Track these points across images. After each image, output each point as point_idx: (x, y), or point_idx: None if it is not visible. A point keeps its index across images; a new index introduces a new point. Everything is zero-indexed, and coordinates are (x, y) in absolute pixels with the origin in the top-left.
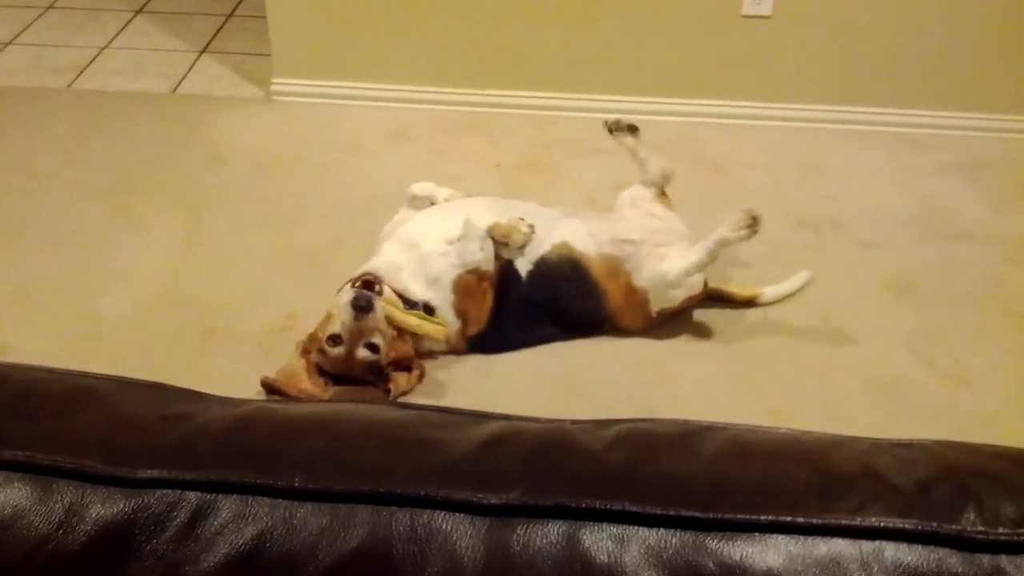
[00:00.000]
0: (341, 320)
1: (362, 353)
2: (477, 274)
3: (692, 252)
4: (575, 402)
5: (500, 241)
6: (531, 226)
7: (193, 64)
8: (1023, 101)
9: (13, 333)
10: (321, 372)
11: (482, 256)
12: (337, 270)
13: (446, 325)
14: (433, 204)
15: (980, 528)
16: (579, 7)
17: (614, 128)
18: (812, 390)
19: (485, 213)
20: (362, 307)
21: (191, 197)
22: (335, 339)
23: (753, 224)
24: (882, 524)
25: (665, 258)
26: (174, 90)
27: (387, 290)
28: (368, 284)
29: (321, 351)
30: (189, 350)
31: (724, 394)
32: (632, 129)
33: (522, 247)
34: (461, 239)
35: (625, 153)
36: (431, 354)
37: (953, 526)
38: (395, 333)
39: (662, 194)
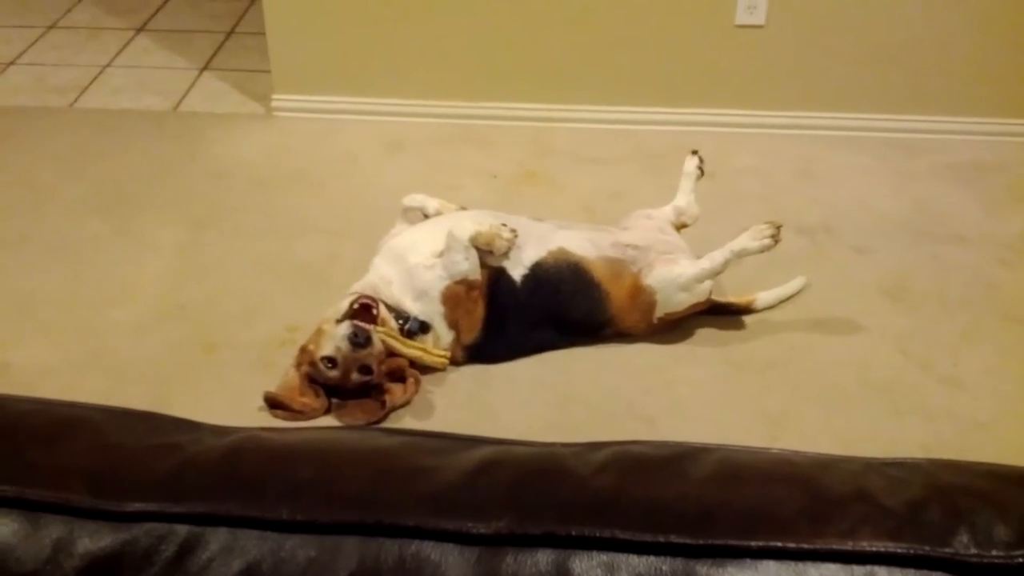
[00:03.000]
0: (336, 346)
1: (356, 377)
2: (466, 284)
3: (706, 258)
4: (575, 410)
5: (484, 249)
6: (513, 231)
7: (194, 82)
8: (1013, 104)
9: (15, 349)
10: (312, 381)
11: (467, 266)
12: (337, 283)
13: (447, 356)
14: (425, 215)
15: (973, 551)
16: (573, 19)
17: (695, 152)
18: (809, 395)
19: (468, 223)
20: (360, 343)
21: (193, 212)
22: (330, 361)
23: (776, 235)
24: (873, 548)
25: (678, 262)
26: (175, 108)
27: (383, 310)
28: (366, 308)
29: (313, 365)
30: (191, 364)
31: (723, 400)
32: (701, 168)
33: (506, 253)
34: (445, 251)
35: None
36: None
37: (946, 549)
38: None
39: (679, 228)
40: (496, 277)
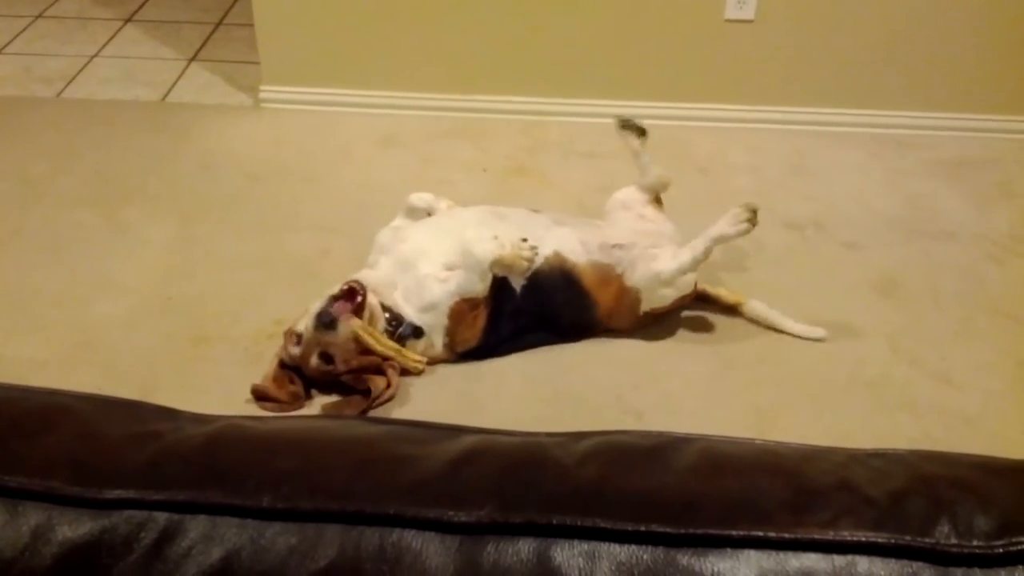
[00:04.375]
0: (306, 324)
1: (315, 361)
2: (472, 301)
3: (686, 250)
4: (564, 405)
5: (503, 274)
6: (534, 248)
7: (182, 72)
8: (1003, 101)
9: (5, 342)
10: (284, 366)
11: (481, 287)
12: (327, 276)
13: (423, 361)
14: (430, 215)
15: (954, 541)
16: (564, 13)
17: (624, 126)
18: (799, 390)
19: (490, 245)
20: (324, 323)
21: (182, 205)
22: (296, 337)
23: (752, 218)
24: (855, 538)
25: (658, 258)
26: (164, 98)
27: (373, 301)
28: (352, 293)
29: (284, 344)
30: (180, 357)
31: (712, 394)
32: (640, 132)
33: (525, 273)
34: (463, 269)
35: (618, 155)
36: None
37: (927, 539)
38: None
39: (656, 200)
40: (499, 286)
